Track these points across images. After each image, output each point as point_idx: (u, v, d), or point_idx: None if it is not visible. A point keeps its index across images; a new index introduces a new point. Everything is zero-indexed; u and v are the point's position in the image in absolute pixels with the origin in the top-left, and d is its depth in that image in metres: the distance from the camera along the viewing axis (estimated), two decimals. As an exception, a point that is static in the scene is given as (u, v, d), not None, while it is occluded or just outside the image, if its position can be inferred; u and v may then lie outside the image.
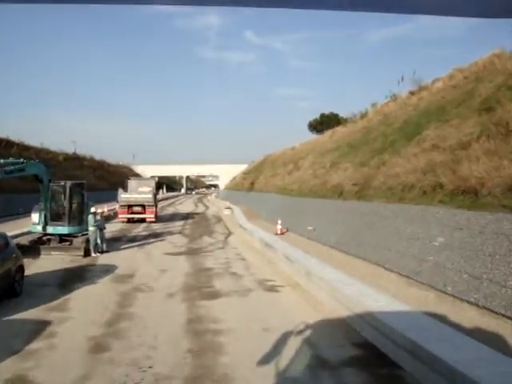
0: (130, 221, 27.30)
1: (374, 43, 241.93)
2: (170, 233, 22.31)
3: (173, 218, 32.56)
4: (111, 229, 23.34)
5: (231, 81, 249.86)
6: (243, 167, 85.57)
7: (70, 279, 11.45)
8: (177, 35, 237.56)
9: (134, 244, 18.13)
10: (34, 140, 49.61)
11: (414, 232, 10.28)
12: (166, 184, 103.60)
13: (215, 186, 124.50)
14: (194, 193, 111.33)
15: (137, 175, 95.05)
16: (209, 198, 75.69)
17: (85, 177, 53.57)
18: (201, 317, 8.32)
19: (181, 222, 28.48)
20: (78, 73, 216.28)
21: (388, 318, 6.64)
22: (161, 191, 76.06)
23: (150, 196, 26.84)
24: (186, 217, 33.43)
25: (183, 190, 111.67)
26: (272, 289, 10.51)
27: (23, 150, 44.94)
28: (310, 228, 16.39)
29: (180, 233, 22.53)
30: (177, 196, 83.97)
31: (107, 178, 60.95)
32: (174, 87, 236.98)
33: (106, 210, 31.03)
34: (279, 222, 18.88)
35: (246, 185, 52.54)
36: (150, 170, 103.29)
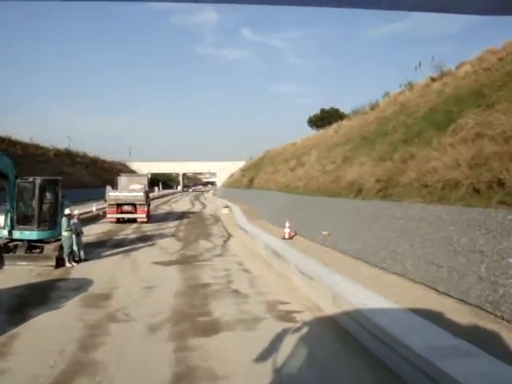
0: (119, 221, 24.75)
1: (372, 40, 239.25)
2: (163, 235, 19.78)
3: (167, 217, 30.02)
4: (97, 231, 20.84)
5: (228, 78, 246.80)
6: (241, 164, 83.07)
7: (29, 301, 8.92)
8: (174, 32, 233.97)
9: (119, 250, 15.57)
10: (31, 136, 47.00)
11: (475, 244, 7.79)
12: (162, 181, 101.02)
13: (212, 183, 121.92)
14: (190, 190, 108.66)
15: (132, 172, 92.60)
16: (206, 195, 73.11)
17: (76, 173, 51.12)
18: (193, 369, 5.80)
19: (175, 223, 25.94)
20: (73, 69, 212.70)
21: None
22: (156, 189, 73.42)
23: (142, 194, 24.30)
24: (182, 216, 30.90)
25: (180, 188, 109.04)
26: (288, 317, 7.99)
27: (10, 145, 42.45)
28: (324, 233, 13.87)
29: (173, 235, 19.99)
30: (173, 194, 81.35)
31: (100, 175, 58.18)
32: (171, 83, 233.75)
33: (94, 209, 28.53)
34: (287, 224, 16.34)
35: (245, 182, 50.03)
36: (146, 167, 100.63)
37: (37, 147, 47.83)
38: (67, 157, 54.74)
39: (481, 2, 2.03)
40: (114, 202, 24.25)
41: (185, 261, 13.77)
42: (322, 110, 72.57)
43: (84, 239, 14.09)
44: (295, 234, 16.51)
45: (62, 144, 60.47)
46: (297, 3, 2.15)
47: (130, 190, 25.49)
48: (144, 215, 24.49)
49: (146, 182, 27.62)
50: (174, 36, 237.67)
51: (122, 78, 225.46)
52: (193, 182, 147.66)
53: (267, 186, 36.53)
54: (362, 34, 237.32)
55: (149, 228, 22.78)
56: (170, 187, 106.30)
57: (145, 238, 18.68)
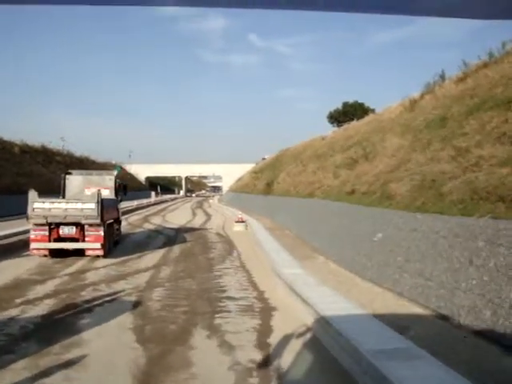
0: (55, 254, 13.40)
1: (376, 45, 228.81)
2: (111, 304, 8.43)
3: (149, 240, 18.57)
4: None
5: (234, 82, 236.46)
6: (249, 167, 72.18)
7: None
8: (180, 37, 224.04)
9: None
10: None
11: None
12: (163, 186, 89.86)
13: (218, 187, 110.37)
14: (193, 195, 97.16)
15: (130, 175, 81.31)
16: (210, 201, 61.53)
17: (48, 175, 39.90)
18: None
19: (157, 255, 14.46)
20: (76, 72, 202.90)
21: None
22: (153, 194, 61.93)
23: (93, 206, 12.85)
24: (173, 238, 19.46)
25: (182, 192, 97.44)
26: None
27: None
28: None
29: (135, 305, 8.54)
30: (173, 199, 69.74)
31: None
32: (176, 88, 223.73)
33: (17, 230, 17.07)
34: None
35: (260, 186, 38.54)
36: (146, 170, 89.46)
37: (-4, 141, 36.70)
38: (41, 155, 43.46)
39: (483, 7, 1.96)
40: (42, 221, 12.86)
41: None
42: (345, 104, 61.71)
43: None
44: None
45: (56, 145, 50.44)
46: (302, 8, 2.19)
47: (81, 197, 14.19)
48: (98, 244, 12.99)
49: (112, 184, 16.27)
50: (179, 41, 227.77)
51: (126, 81, 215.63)
52: (197, 187, 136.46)
53: (297, 192, 25.13)
54: (366, 39, 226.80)
55: (97, 276, 11.31)
56: (172, 192, 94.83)
57: (58, 320, 7.35)
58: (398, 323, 5.99)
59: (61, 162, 46.47)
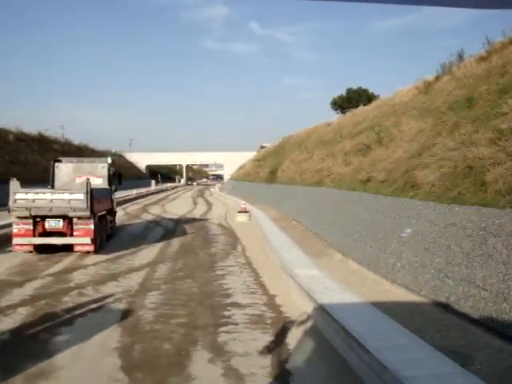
0: (41, 250, 12.08)
1: (377, 34, 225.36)
2: (96, 314, 7.14)
3: (146, 232, 17.25)
4: None
5: (236, 70, 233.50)
6: (250, 155, 70.74)
7: None
8: (181, 25, 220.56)
9: None
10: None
11: None
12: (162, 174, 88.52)
13: (219, 176, 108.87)
14: (195, 184, 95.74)
15: (130, 164, 79.88)
16: (212, 190, 60.21)
17: (43, 162, 38.44)
18: None
19: (154, 250, 13.13)
20: (76, 60, 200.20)
21: None
22: (153, 182, 60.56)
23: (82, 197, 11.48)
24: (173, 229, 18.17)
25: (183, 181, 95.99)
26: None
27: None
28: None
29: (124, 315, 7.23)
30: (174, 188, 68.37)
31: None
32: (177, 76, 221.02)
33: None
34: None
35: (263, 174, 37.14)
36: (147, 158, 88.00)
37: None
38: (36, 143, 41.99)
39: None
40: (25, 214, 11.51)
41: None
42: (349, 90, 60.03)
43: None
44: None
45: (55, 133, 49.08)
46: None
47: (72, 187, 12.80)
48: (87, 239, 11.64)
49: (105, 173, 14.91)
50: (181, 29, 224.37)
51: (128, 70, 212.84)
52: (198, 175, 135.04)
53: (302, 180, 23.77)
54: (367, 28, 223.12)
55: (84, 276, 9.99)
56: (173, 180, 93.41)
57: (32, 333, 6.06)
58: (473, 355, 4.65)
59: (58, 151, 44.91)
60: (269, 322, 6.75)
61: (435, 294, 6.34)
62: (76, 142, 56.11)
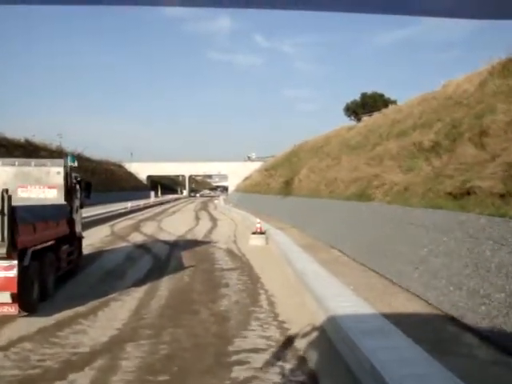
0: None
1: (378, 46, 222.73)
2: None
3: (127, 264, 12.11)
4: None
5: (240, 82, 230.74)
6: (256, 165, 66.19)
7: None
8: (185, 37, 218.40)
9: None
10: None
11: None
12: (165, 185, 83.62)
13: (224, 187, 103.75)
14: (198, 195, 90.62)
15: (130, 174, 74.94)
16: (215, 202, 55.12)
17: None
18: None
19: (129, 302, 8.03)
20: (76, 72, 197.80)
21: None
22: (152, 194, 55.61)
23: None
24: (165, 259, 13.14)
25: (185, 192, 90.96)
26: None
27: None
28: None
29: None
30: (176, 200, 63.29)
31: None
32: (182, 87, 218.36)
33: None
34: None
35: (275, 185, 32.18)
36: (148, 168, 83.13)
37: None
38: (21, 149, 37.25)
39: (476, 8, 1.97)
40: None
41: None
42: (364, 95, 55.86)
43: None
44: None
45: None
46: (306, 8, 2.17)
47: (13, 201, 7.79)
48: (6, 294, 6.63)
49: (60, 181, 9.96)
50: (185, 41, 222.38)
51: (132, 79, 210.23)
52: (201, 186, 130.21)
53: (331, 192, 18.78)
54: (370, 39, 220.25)
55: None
56: (175, 192, 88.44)
57: None
58: None
59: (45, 157, 40.24)
60: None
61: None
62: (68, 150, 51.26)
